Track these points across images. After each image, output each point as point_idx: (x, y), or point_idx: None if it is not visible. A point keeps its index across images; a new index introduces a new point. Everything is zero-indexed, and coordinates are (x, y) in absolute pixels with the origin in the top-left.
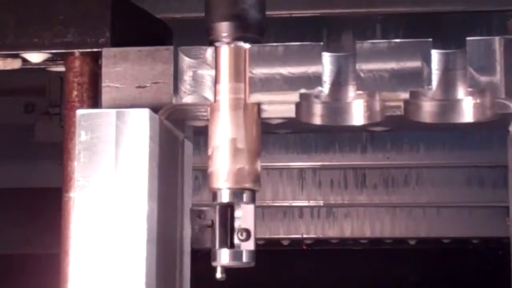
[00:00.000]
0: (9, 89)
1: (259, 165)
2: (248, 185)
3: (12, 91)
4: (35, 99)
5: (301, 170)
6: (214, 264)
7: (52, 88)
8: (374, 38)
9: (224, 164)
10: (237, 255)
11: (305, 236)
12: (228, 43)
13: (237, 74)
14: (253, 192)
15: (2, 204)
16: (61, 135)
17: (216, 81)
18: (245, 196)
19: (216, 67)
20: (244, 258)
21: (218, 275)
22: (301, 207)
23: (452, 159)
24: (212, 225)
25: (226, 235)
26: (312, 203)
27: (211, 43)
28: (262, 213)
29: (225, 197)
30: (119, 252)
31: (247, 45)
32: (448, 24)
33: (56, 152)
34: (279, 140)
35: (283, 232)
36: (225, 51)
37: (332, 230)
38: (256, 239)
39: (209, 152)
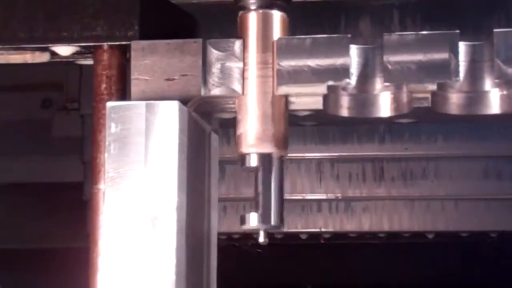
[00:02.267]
0: (26, 84)
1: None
2: (275, 150)
3: (29, 86)
4: (52, 94)
5: (319, 163)
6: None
7: (69, 83)
8: (392, 25)
9: (252, 128)
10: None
11: (323, 230)
12: (256, 10)
13: (265, 42)
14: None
15: (21, 199)
16: (79, 130)
17: (244, 49)
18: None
19: (244, 35)
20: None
21: (261, 239)
22: (319, 201)
23: (470, 149)
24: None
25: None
26: (330, 196)
27: (238, 10)
28: None
29: (253, 161)
30: (149, 243)
31: (275, 12)
32: (466, 10)
33: (73, 147)
34: (297, 131)
35: (301, 226)
36: (253, 17)
37: (350, 224)
38: (274, 233)
39: (237, 133)
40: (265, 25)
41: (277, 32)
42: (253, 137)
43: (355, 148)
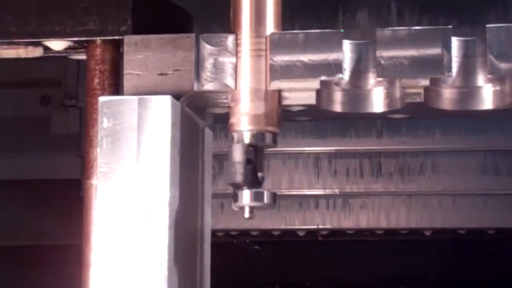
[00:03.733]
0: (24, 81)
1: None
2: (270, 128)
3: (27, 83)
4: (50, 91)
5: (317, 158)
6: (238, 204)
7: (68, 80)
8: (390, 15)
9: (245, 106)
10: (259, 195)
11: (320, 226)
12: None
13: (258, 16)
14: (274, 135)
15: (18, 196)
16: (77, 127)
17: (235, 27)
18: (267, 138)
19: (237, 13)
20: (266, 199)
21: (246, 214)
22: (316, 196)
23: (467, 143)
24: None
25: (251, 175)
26: (327, 191)
27: None
28: (278, 204)
29: (246, 139)
30: (141, 238)
31: None
32: (464, 0)
33: (72, 144)
34: (295, 126)
35: (298, 222)
36: None
37: (348, 221)
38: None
39: (230, 113)
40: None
41: (270, 7)
42: (246, 115)
43: (352, 142)
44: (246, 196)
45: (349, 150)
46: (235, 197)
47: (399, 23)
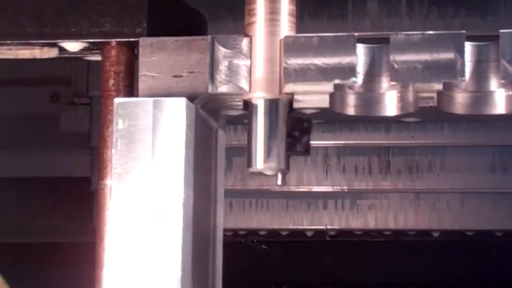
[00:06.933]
0: (34, 79)
1: None
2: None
3: (37, 81)
4: (60, 89)
5: (325, 154)
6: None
7: (77, 78)
8: (400, 5)
9: (259, 71)
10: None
11: (329, 227)
12: None
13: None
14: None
15: (27, 193)
16: (87, 125)
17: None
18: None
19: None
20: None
21: (279, 181)
22: (325, 193)
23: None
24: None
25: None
26: (336, 188)
27: None
28: (286, 204)
29: (260, 105)
30: (156, 239)
31: None
32: None
33: (81, 142)
34: None
35: (306, 222)
36: None
37: (356, 221)
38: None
39: None
40: None
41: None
42: (260, 81)
43: (361, 137)
44: (259, 160)
45: (358, 144)
46: (248, 162)
47: (408, 12)
